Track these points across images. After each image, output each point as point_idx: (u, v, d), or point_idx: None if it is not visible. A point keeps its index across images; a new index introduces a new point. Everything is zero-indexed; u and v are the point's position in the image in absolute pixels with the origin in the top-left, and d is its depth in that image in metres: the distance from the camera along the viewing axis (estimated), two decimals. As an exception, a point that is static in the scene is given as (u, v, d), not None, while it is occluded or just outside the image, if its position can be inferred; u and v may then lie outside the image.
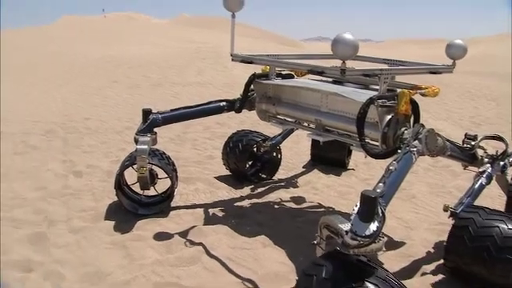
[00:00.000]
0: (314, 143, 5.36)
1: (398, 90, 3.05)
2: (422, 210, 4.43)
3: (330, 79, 3.96)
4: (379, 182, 2.48)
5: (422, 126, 2.98)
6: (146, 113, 3.95)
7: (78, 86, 11.39)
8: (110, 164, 5.32)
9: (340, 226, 2.25)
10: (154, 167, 3.99)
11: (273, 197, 4.57)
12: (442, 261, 3.19)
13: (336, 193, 4.78)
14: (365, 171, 5.47)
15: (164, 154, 4.25)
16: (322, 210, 4.35)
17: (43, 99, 9.76)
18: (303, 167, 5.53)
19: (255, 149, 4.86)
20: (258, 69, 4.20)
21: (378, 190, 2.39)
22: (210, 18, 53.90)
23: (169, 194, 4.13)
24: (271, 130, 5.02)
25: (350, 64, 2.85)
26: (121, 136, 6.79)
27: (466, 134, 3.69)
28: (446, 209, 3.20)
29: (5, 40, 19.04)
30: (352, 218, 2.22)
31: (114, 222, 3.84)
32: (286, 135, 4.87)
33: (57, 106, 9.08)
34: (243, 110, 4.26)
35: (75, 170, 5.19)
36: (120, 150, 5.89)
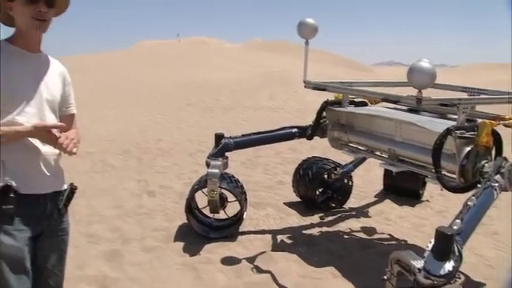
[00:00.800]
0: (387, 172, 5.19)
1: (479, 121, 2.91)
2: (505, 248, 4.13)
3: (405, 107, 3.86)
4: (456, 218, 2.36)
5: (505, 159, 2.81)
6: (219, 137, 4.05)
7: (153, 108, 11.93)
8: (182, 185, 5.49)
9: (412, 262, 2.14)
10: (223, 190, 4.05)
11: (343, 226, 4.47)
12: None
13: (410, 224, 4.58)
14: (440, 203, 5.20)
15: (233, 177, 4.30)
16: (395, 242, 4.19)
17: (120, 121, 10.34)
18: (375, 196, 5.38)
19: (326, 176, 4.79)
20: (330, 95, 4.19)
21: (455, 227, 2.26)
22: (281, 42, 54.56)
23: (238, 218, 4.17)
24: (342, 157, 4.94)
25: (426, 91, 2.77)
26: (193, 158, 6.99)
27: None
28: None
29: (83, 64, 20.44)
30: (426, 255, 2.12)
31: (184, 244, 3.93)
32: (357, 163, 4.76)
33: (132, 128, 9.57)
34: (315, 137, 4.26)
35: (149, 190, 5.41)
36: (192, 172, 6.06)
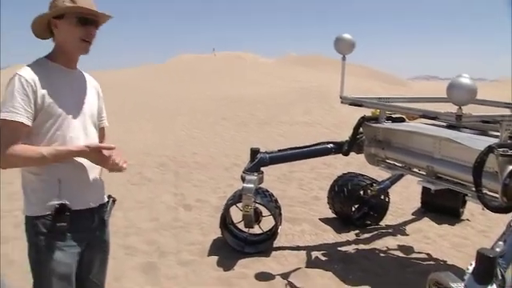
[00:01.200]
0: (425, 189, 5.06)
1: (524, 138, 2.82)
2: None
3: (444, 123, 3.78)
4: (499, 239, 2.27)
5: (550, 179, 2.70)
6: (254, 152, 4.07)
7: (189, 122, 12.11)
8: (217, 199, 5.53)
9: (452, 285, 2.07)
10: (258, 205, 4.05)
11: (380, 243, 4.39)
12: None
13: (449, 244, 4.44)
14: (482, 222, 5.03)
15: (267, 191, 4.30)
16: (433, 261, 4.07)
17: (156, 134, 10.56)
18: (413, 214, 5.25)
19: (362, 192, 4.73)
20: (367, 111, 4.16)
21: (498, 249, 2.18)
22: (316, 56, 54.55)
23: (273, 233, 4.16)
24: (379, 173, 4.88)
25: (466, 107, 2.71)
26: (229, 172, 7.04)
27: None
28: None
29: (121, 78, 20.96)
30: (466, 277, 2.05)
31: (220, 258, 3.94)
32: (394, 180, 4.68)
33: (169, 141, 9.75)
34: (350, 153, 4.22)
35: (185, 204, 5.48)
36: (228, 186, 6.10)
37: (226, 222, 4.17)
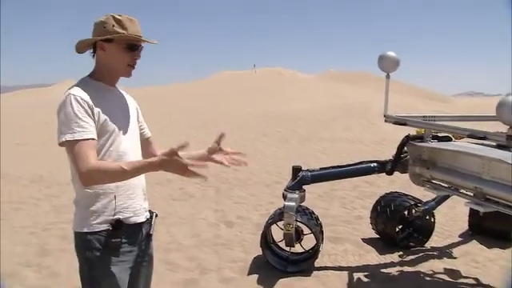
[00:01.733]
0: (473, 211, 4.86)
1: None
2: None
3: (494, 143, 3.66)
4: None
5: None
6: (296, 170, 4.07)
7: (230, 137, 12.13)
8: (259, 217, 5.55)
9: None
10: (298, 223, 4.01)
11: (425, 266, 4.25)
12: None
13: (500, 269, 4.25)
14: (536, 246, 4.80)
15: (307, 209, 4.27)
16: (483, 287, 3.90)
17: (198, 149, 10.65)
18: (460, 236, 5.05)
19: (406, 213, 4.61)
20: (411, 129, 4.07)
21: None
22: (356, 73, 54.07)
23: (315, 251, 4.11)
24: (423, 192, 4.75)
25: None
26: (270, 189, 7.05)
27: None
28: None
29: (163, 94, 21.39)
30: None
31: (261, 276, 3.94)
32: (440, 201, 4.54)
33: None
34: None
35: (226, 220, 5.52)
36: (269, 203, 6.11)
37: (267, 240, 4.17)
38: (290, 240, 3.92)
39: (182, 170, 1.70)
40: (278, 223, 4.02)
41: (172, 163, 1.69)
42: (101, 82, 1.95)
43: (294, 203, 3.80)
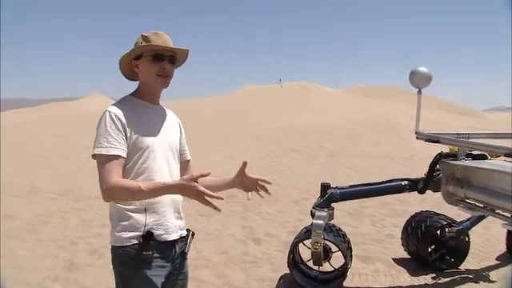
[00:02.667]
0: (511, 232, 4.68)
1: None
2: None
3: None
4: None
5: None
6: (325, 187, 4.00)
7: (257, 153, 12.22)
8: (287, 234, 5.48)
9: None
10: (326, 241, 3.93)
11: (461, 289, 4.08)
12: None
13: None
14: None
15: (334, 226, 4.18)
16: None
17: (225, 164, 10.71)
18: (497, 258, 4.82)
19: (439, 233, 4.40)
20: (443, 146, 3.96)
21: None
22: (384, 87, 53.50)
23: (344, 271, 4.00)
24: (457, 211, 4.59)
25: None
26: (298, 206, 6.98)
27: None
28: None
29: (189, 108, 21.57)
30: None
31: (289, 295, 3.86)
32: (475, 221, 4.36)
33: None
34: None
35: (254, 237, 5.47)
36: (297, 220, 6.04)
37: (295, 261, 4.10)
38: (318, 259, 3.84)
39: (199, 196, 1.73)
40: (305, 241, 3.94)
41: (189, 189, 1.73)
42: (142, 99, 1.99)
43: (322, 221, 3.73)
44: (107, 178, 1.77)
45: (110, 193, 1.78)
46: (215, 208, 1.77)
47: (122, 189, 1.77)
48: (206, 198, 1.73)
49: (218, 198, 1.75)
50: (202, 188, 1.72)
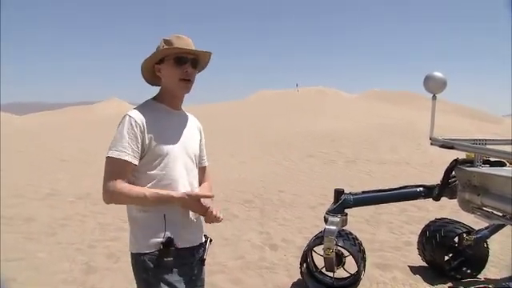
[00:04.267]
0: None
1: None
2: None
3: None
4: None
5: None
6: (339, 193, 3.95)
7: (274, 158, 12.21)
8: (303, 240, 5.43)
9: None
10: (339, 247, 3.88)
11: (481, 299, 3.97)
12: None
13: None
14: None
15: (349, 233, 4.14)
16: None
17: (241, 170, 10.73)
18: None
19: (456, 241, 4.31)
20: (460, 152, 3.90)
21: None
22: (400, 92, 52.90)
23: (357, 279, 3.94)
24: (476, 219, 4.51)
25: None
26: (315, 212, 6.94)
27: None
28: None
29: (204, 113, 21.56)
30: None
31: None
32: (494, 230, 4.25)
33: (254, 177, 9.88)
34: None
35: (271, 243, 5.45)
36: (314, 226, 6.00)
37: (309, 268, 4.08)
38: (331, 265, 3.80)
39: (202, 211, 1.95)
40: (317, 249, 3.92)
41: (192, 205, 1.92)
42: (163, 104, 2.00)
43: (335, 227, 3.69)
44: (112, 182, 1.81)
45: (112, 196, 1.82)
46: (217, 220, 1.99)
47: (124, 195, 1.81)
48: (207, 212, 1.93)
49: (218, 220, 1.98)
50: (203, 201, 1.92)
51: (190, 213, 1.98)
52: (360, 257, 3.93)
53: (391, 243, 5.47)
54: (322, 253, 3.81)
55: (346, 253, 3.92)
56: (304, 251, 4.06)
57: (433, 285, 4.27)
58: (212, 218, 1.96)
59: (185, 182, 1.96)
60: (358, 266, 3.85)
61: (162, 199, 1.84)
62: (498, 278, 4.45)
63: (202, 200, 1.92)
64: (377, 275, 4.35)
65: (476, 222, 4.50)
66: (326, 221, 3.81)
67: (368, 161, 11.63)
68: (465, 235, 4.25)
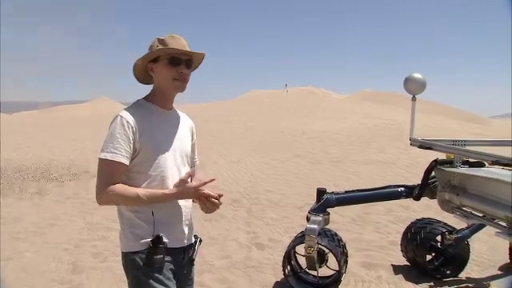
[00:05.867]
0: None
1: None
2: None
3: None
4: None
5: None
6: (321, 192, 4.02)
7: (261, 158, 12.20)
8: (290, 240, 5.49)
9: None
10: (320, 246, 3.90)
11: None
12: None
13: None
14: None
15: (330, 231, 4.15)
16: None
17: (230, 169, 10.75)
18: (501, 267, 4.69)
19: (437, 241, 4.39)
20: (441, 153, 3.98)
21: None
22: (390, 93, 52.95)
23: (338, 278, 3.95)
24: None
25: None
26: (301, 212, 6.96)
27: None
28: None
29: (194, 113, 21.41)
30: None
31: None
32: (475, 229, 4.30)
33: (241, 177, 9.89)
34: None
35: (258, 243, 5.49)
36: (300, 226, 6.01)
37: (293, 269, 4.12)
38: (312, 263, 3.84)
39: (196, 195, 1.91)
40: (299, 249, 3.96)
41: (188, 191, 1.89)
42: (155, 104, 2.00)
43: (316, 226, 3.74)
44: (106, 184, 1.82)
45: (105, 197, 1.84)
46: (218, 205, 1.95)
47: (118, 195, 1.83)
48: (211, 196, 1.90)
49: (217, 197, 1.93)
50: (196, 186, 1.89)
51: (182, 214, 2.00)
52: (340, 252, 3.94)
53: (377, 243, 5.54)
54: (303, 252, 3.86)
55: (327, 250, 3.95)
56: (286, 251, 4.09)
57: (417, 283, 4.32)
58: (211, 203, 1.94)
59: (177, 181, 1.95)
60: (339, 261, 3.86)
61: (156, 199, 1.86)
62: (480, 277, 4.51)
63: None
64: (362, 274, 4.40)
65: (459, 222, 4.58)
66: (308, 220, 3.85)
67: (355, 161, 11.68)
68: (446, 235, 4.33)
